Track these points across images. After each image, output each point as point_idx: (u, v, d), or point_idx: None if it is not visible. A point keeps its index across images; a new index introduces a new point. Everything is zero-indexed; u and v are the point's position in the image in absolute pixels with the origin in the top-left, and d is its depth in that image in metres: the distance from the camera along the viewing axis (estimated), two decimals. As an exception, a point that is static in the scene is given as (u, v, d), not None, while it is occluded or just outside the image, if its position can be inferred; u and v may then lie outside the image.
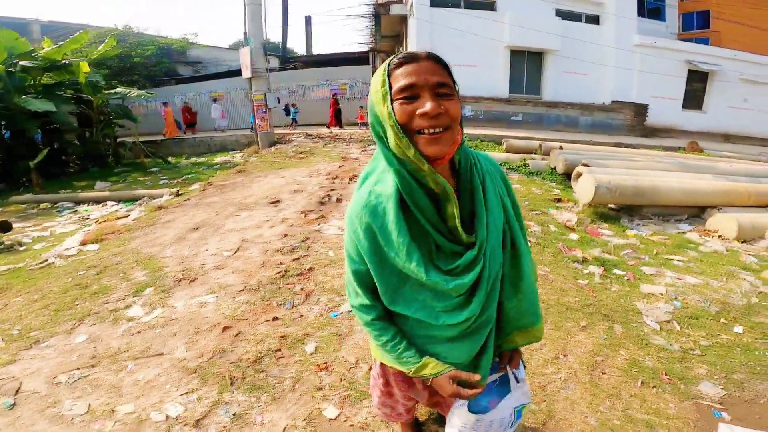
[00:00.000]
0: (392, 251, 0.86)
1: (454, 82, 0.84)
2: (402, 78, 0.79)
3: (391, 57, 0.84)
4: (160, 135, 14.04)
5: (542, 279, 3.39)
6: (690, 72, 14.41)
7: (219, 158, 11.13)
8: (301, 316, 2.81)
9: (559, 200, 5.27)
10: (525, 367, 1.28)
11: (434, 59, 0.82)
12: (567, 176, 5.98)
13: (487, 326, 1.01)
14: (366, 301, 0.99)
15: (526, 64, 13.68)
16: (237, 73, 12.16)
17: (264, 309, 2.89)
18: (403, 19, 14.88)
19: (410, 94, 0.79)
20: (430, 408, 1.75)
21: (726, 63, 14.37)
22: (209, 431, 1.88)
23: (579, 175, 5.17)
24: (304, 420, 1.97)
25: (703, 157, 8.37)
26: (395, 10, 14.52)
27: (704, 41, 19.54)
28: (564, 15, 13.51)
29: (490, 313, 0.99)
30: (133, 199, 6.86)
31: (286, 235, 4.18)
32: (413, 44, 12.99)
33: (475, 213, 0.91)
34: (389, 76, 0.81)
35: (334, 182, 6.17)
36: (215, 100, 15.44)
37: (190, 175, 9.25)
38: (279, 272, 3.38)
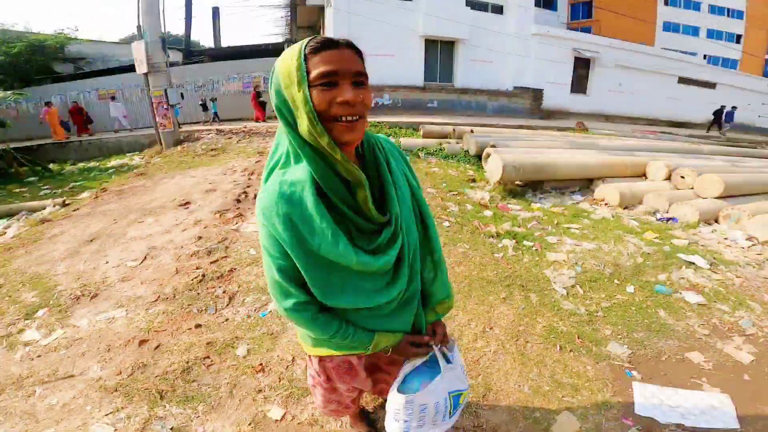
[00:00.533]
0: (316, 239, 0.84)
1: (365, 69, 0.85)
2: (322, 64, 0.77)
3: (306, 40, 0.80)
4: (42, 139, 12.12)
5: (463, 256, 3.55)
6: (576, 59, 16.11)
7: (114, 161, 9.86)
8: (227, 320, 2.66)
9: (473, 180, 5.57)
10: (458, 351, 1.27)
11: (352, 47, 0.82)
12: (479, 157, 6.32)
13: (416, 296, 1.07)
14: (302, 298, 0.93)
15: (440, 53, 14.19)
16: (130, 68, 10.82)
17: (184, 317, 2.69)
18: (321, 9, 14.46)
19: (330, 80, 0.77)
20: (376, 395, 1.75)
21: (604, 50, 16.30)
22: None
23: (488, 156, 5.49)
24: (250, 424, 1.88)
25: (588, 135, 9.47)
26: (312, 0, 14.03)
27: (588, 30, 21.95)
28: (473, 5, 14.19)
29: (416, 283, 1.04)
30: (8, 215, 5.79)
31: (200, 238, 3.87)
32: (330, 34, 12.71)
33: (385, 191, 0.93)
34: (306, 60, 0.77)
35: (251, 178, 5.82)
36: (113, 98, 13.66)
37: (78, 183, 8.08)
38: (196, 277, 3.14)
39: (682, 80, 18.40)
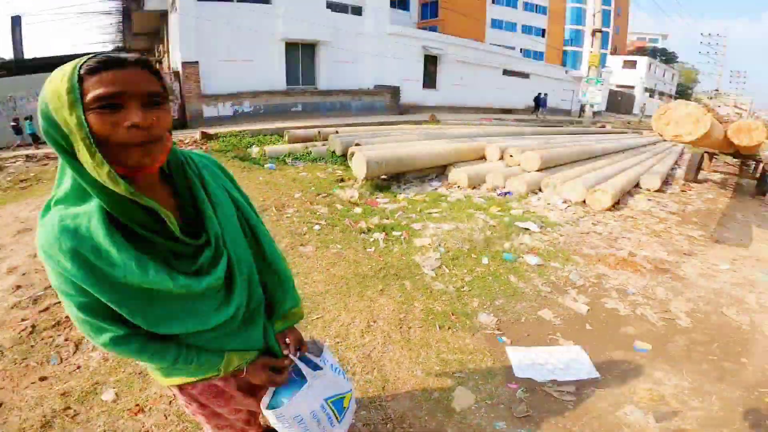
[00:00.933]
0: (119, 271, 0.75)
1: (166, 88, 0.78)
2: (101, 86, 0.68)
3: (84, 58, 0.71)
4: None
5: (337, 256, 3.54)
6: (426, 56, 17.65)
7: None
8: (79, 367, 2.30)
9: (342, 180, 5.63)
10: (330, 354, 1.24)
11: (144, 65, 0.74)
12: (346, 157, 6.43)
13: (259, 310, 1.05)
14: (120, 332, 0.82)
15: (302, 56, 13.94)
16: None
17: (22, 373, 2.28)
18: (164, 15, 12.69)
19: (113, 102, 0.69)
20: None
21: (447, 47, 18.19)
22: None
23: (353, 154, 5.62)
24: None
25: (440, 126, 10.52)
26: (152, 4, 12.22)
27: (435, 29, 24.17)
28: (333, 7, 14.25)
29: (257, 298, 1.02)
30: None
31: (19, 287, 3.15)
32: (176, 41, 11.31)
33: (200, 210, 0.88)
34: (81, 81, 0.68)
35: None
36: None
37: None
38: (24, 330, 2.64)
39: (506, 72, 21.81)
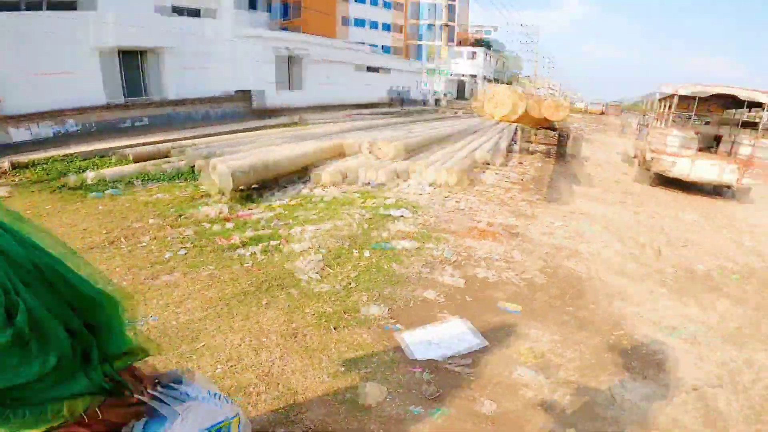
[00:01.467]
0: None
1: None
2: None
3: None
4: None
5: (210, 278, 3.22)
6: (290, 57, 17.15)
7: None
8: None
9: (207, 196, 5.10)
10: (203, 382, 1.18)
11: None
12: (208, 170, 5.84)
13: (94, 354, 1.02)
14: None
15: (141, 65, 12.15)
16: None
17: None
18: None
19: None
20: None
21: (312, 48, 17.96)
22: None
23: (215, 167, 5.13)
24: None
25: (308, 127, 10.40)
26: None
27: (298, 29, 23.52)
28: (180, 11, 12.72)
29: (86, 341, 0.99)
30: None
31: None
32: None
33: None
34: None
35: None
36: None
37: None
38: None
39: (369, 68, 22.73)
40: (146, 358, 1.17)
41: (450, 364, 2.36)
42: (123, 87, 11.66)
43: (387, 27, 34.04)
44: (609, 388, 2.26)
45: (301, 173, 5.91)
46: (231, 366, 2.25)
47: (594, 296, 3.34)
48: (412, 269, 3.57)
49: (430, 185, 5.86)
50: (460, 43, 44.19)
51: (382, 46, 30.34)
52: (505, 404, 2.10)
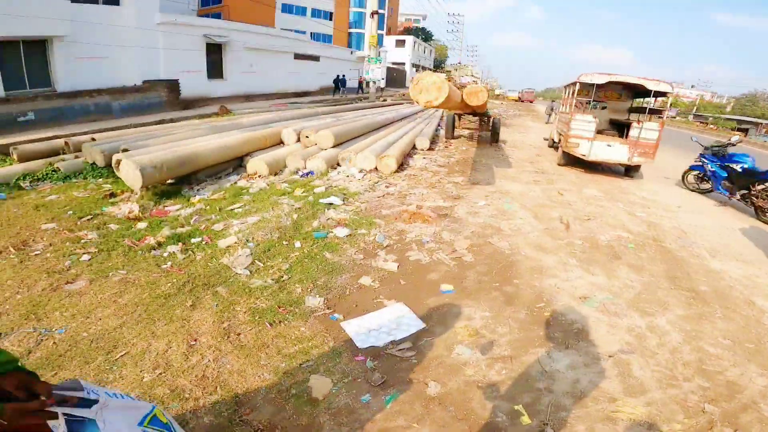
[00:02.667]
0: None
1: None
2: None
3: None
4: None
5: (123, 284, 2.89)
6: (209, 45, 15.80)
7: None
8: None
9: (112, 195, 4.55)
10: (94, 387, 1.04)
11: None
12: (112, 168, 5.21)
13: None
14: None
15: (25, 55, 10.44)
16: None
17: None
18: None
19: None
20: None
21: (234, 34, 16.71)
22: None
23: (119, 162, 4.59)
24: None
25: (231, 117, 9.77)
26: None
27: (218, 15, 21.64)
28: None
29: None
30: None
31: None
32: None
33: None
34: None
35: None
36: None
37: None
38: None
39: (298, 56, 21.84)
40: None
41: (391, 349, 2.37)
42: (2, 81, 10.02)
43: (317, 13, 32.93)
44: (538, 359, 2.39)
45: (224, 166, 5.52)
46: (159, 374, 2.06)
47: (517, 271, 3.53)
48: (345, 257, 3.53)
49: (360, 171, 5.84)
50: (390, 32, 44.36)
51: (312, 34, 29.35)
52: (450, 384, 2.15)
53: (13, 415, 0.89)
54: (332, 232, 3.93)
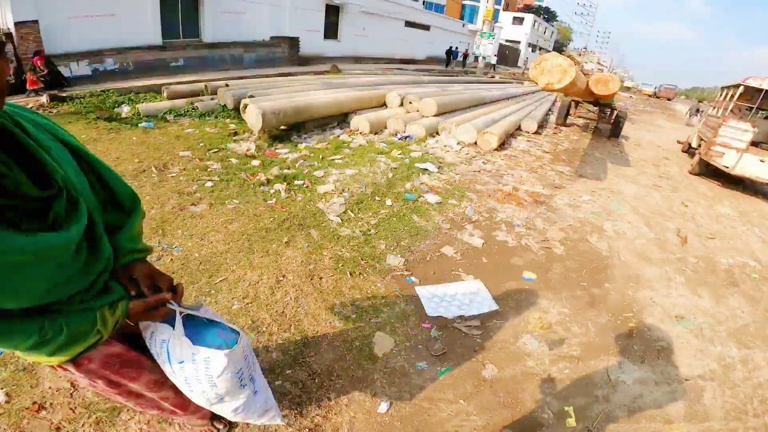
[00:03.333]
0: None
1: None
2: None
3: None
4: None
5: (235, 212, 3.28)
6: (328, 6, 16.62)
7: None
8: None
9: (236, 134, 5.15)
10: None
11: None
12: (238, 111, 5.88)
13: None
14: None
15: (182, 8, 12.06)
16: None
17: None
18: None
19: None
20: None
21: None
22: None
23: (246, 106, 5.14)
24: None
25: (341, 76, 10.17)
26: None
27: None
28: None
29: (108, 249, 0.91)
30: None
31: None
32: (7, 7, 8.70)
33: (39, 159, 0.75)
34: None
35: None
36: None
37: None
38: None
39: (408, 23, 21.73)
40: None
41: (459, 323, 2.36)
42: (162, 29, 11.68)
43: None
44: (607, 367, 2.25)
45: (330, 120, 5.86)
46: (247, 304, 2.27)
47: (610, 275, 3.25)
48: (432, 223, 3.53)
49: (458, 144, 5.71)
50: (507, 8, 41.30)
51: (424, 2, 28.71)
52: (506, 370, 2.10)
53: (136, 313, 0.97)
54: (423, 196, 3.95)
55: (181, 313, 1.02)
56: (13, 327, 0.76)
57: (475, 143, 5.90)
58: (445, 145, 5.60)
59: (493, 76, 20.67)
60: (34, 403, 1.75)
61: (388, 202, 3.74)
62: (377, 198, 3.78)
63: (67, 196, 0.77)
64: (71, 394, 1.80)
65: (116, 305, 0.91)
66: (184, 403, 1.29)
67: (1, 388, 1.81)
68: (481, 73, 19.46)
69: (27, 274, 0.70)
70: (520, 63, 39.24)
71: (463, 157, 5.37)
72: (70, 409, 1.73)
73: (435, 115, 6.33)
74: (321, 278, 2.58)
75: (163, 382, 1.15)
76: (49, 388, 1.82)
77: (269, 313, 2.24)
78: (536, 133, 7.85)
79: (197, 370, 1.01)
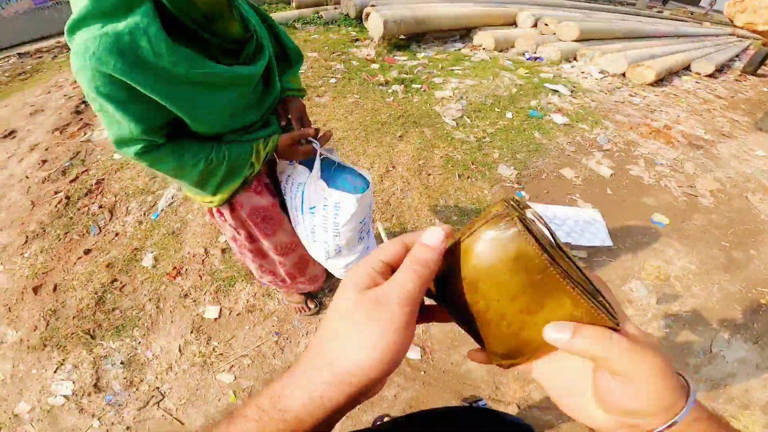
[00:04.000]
0: (179, 67, 0.77)
1: None
2: None
3: None
4: None
5: (354, 105, 3.43)
6: None
7: None
8: (117, 234, 2.34)
9: (357, 40, 5.23)
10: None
11: None
12: (360, 20, 5.93)
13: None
14: (158, 140, 0.87)
15: None
16: None
17: (67, 248, 2.31)
18: None
19: None
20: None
21: None
22: (114, 387, 1.66)
23: (368, 15, 5.14)
24: (192, 332, 1.80)
25: None
26: None
27: None
28: None
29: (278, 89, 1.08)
30: None
31: (45, 161, 3.17)
32: None
33: (237, 7, 0.91)
34: None
35: None
36: None
37: None
38: (59, 202, 2.66)
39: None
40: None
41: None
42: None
43: None
44: (713, 339, 1.97)
45: (452, 33, 5.57)
46: None
47: (761, 241, 2.66)
48: (555, 143, 3.23)
49: (601, 72, 4.96)
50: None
51: None
52: None
53: (284, 146, 1.05)
54: (549, 116, 3.60)
55: (320, 154, 1.08)
56: (190, 147, 0.92)
57: (623, 75, 5.07)
58: (583, 72, 4.91)
59: (660, 11, 17.21)
60: (174, 268, 2.09)
61: (509, 115, 3.49)
62: (497, 109, 3.56)
63: (255, 40, 0.94)
64: (203, 261, 2.11)
65: (269, 139, 1.04)
66: (293, 274, 1.45)
67: (151, 251, 2.20)
68: (643, 6, 16.28)
69: (220, 97, 0.88)
70: (704, 2, 31.76)
71: (604, 85, 4.67)
72: (199, 275, 2.04)
73: (575, 41, 5.55)
74: (429, 175, 2.59)
75: (290, 247, 1.29)
76: (188, 253, 2.17)
77: (375, 199, 2.32)
78: (710, 76, 6.41)
79: (326, 217, 1.07)
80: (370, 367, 0.30)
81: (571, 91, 4.20)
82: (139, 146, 0.86)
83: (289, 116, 1.18)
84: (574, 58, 5.33)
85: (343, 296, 0.33)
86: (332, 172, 1.11)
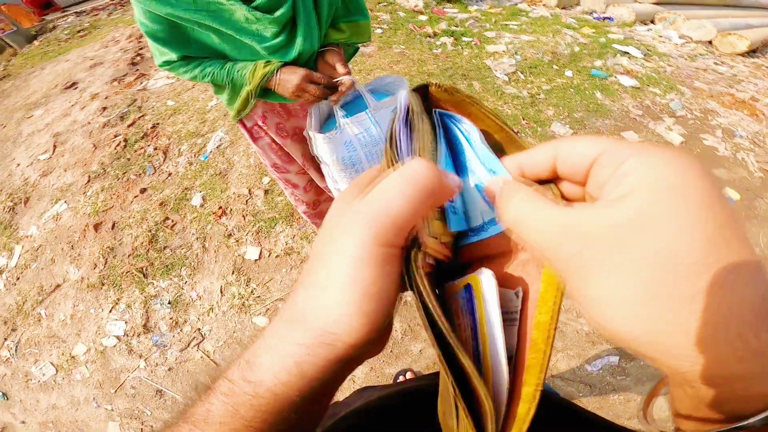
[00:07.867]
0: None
1: None
2: None
3: None
4: None
5: (401, 55, 3.59)
6: None
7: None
8: (170, 174, 2.71)
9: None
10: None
11: None
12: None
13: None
14: (173, 56, 1.09)
15: None
16: None
17: (125, 187, 2.72)
18: None
19: None
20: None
21: None
22: (161, 328, 1.93)
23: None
24: (233, 273, 2.05)
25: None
26: None
27: None
28: None
29: (314, 41, 1.11)
30: None
31: (105, 108, 3.65)
32: None
33: None
34: None
35: (141, 41, 5.19)
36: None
37: None
38: (118, 144, 3.10)
39: None
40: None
41: None
42: None
43: None
44: None
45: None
46: None
47: None
48: (619, 104, 3.27)
49: (682, 38, 4.86)
50: None
51: None
52: None
53: (288, 75, 1.11)
54: (615, 76, 3.62)
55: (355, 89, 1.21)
56: (201, 62, 1.12)
57: (710, 42, 4.95)
58: (660, 35, 4.84)
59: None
60: (219, 208, 2.37)
61: (568, 73, 3.54)
62: (555, 67, 3.62)
63: None
64: (246, 201, 2.38)
65: (272, 63, 1.12)
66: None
67: (200, 191, 2.50)
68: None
69: (240, 38, 1.04)
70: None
71: (684, 51, 4.59)
72: (242, 216, 2.30)
73: (654, 2, 5.45)
74: (483, 135, 2.74)
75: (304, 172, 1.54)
76: (233, 193, 2.44)
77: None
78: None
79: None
80: (347, 324, 0.23)
81: (645, 54, 4.17)
82: (167, 63, 1.13)
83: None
84: (651, 21, 5.24)
85: (332, 206, 0.28)
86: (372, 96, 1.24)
